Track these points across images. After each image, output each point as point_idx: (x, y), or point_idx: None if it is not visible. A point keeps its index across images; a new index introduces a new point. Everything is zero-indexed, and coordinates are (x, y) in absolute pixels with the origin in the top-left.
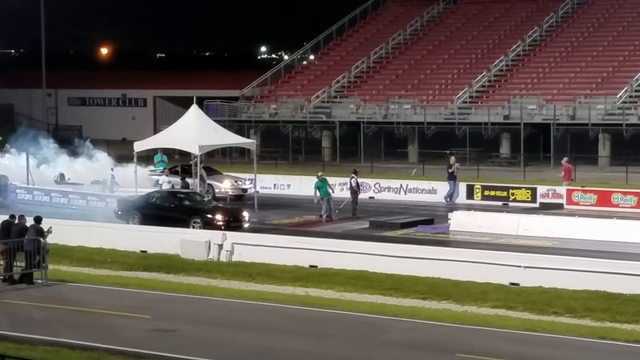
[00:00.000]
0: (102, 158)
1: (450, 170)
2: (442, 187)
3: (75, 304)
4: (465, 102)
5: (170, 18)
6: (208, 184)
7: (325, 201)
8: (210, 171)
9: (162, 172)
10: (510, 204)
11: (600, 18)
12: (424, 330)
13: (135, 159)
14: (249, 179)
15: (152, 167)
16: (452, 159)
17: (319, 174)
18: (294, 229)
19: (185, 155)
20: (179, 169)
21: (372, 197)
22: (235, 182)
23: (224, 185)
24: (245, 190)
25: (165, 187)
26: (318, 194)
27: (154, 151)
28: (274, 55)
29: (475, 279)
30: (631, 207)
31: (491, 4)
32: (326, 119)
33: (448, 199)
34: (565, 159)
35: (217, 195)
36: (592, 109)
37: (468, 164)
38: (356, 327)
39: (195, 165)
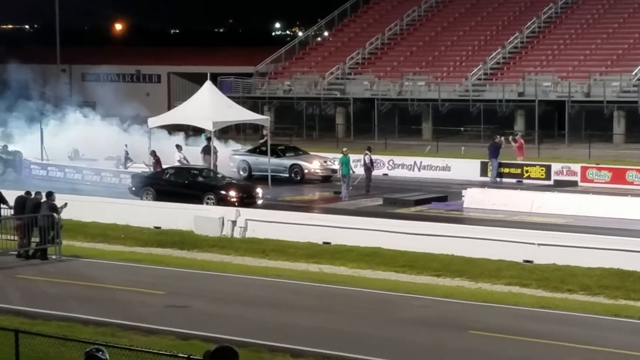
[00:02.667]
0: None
1: (500, 148)
2: (455, 164)
3: (88, 279)
4: (480, 79)
5: None
6: (296, 163)
7: (346, 179)
8: (299, 151)
9: (177, 147)
10: (525, 181)
11: None
12: (437, 307)
13: (150, 136)
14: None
15: (235, 147)
16: (502, 138)
17: (344, 149)
18: (308, 206)
19: (199, 131)
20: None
21: (386, 174)
22: (325, 162)
23: (313, 166)
24: (334, 170)
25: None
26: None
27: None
28: (288, 32)
29: (489, 256)
30: None
31: None
32: (340, 96)
33: (498, 179)
34: (519, 134)
35: (305, 175)
36: (607, 86)
37: (482, 142)
38: (369, 303)
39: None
